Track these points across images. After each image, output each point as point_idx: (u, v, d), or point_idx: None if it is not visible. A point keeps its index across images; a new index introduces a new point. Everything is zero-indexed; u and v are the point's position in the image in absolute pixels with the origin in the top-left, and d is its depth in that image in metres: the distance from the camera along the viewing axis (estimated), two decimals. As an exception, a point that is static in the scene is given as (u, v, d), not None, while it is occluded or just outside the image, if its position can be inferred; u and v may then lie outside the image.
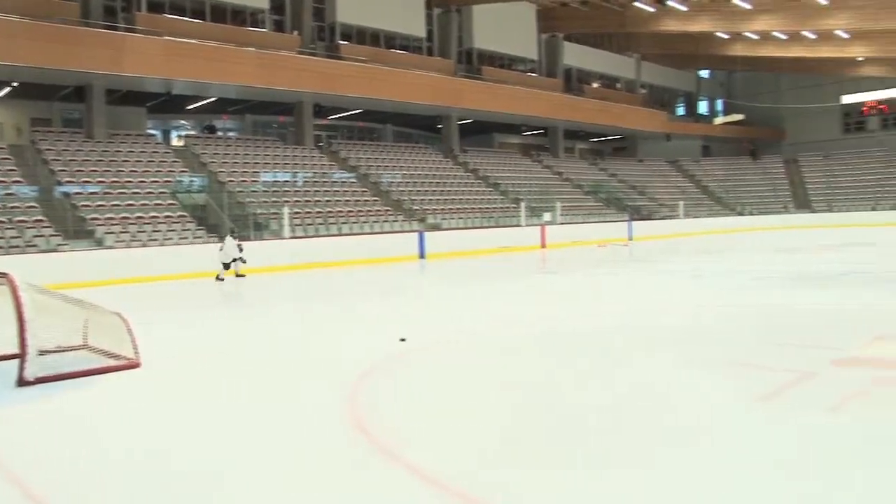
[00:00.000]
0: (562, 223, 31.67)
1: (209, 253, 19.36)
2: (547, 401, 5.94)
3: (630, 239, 31.95)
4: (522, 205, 30.62)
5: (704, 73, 54.86)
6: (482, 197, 32.55)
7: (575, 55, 42.52)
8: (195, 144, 28.12)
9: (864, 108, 48.76)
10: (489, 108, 34.94)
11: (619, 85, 46.34)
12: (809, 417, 5.20)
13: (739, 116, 51.34)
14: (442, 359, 7.90)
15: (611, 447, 4.78)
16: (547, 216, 31.42)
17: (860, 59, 41.43)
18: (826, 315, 9.98)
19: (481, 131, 41.77)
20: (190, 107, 31.21)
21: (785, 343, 7.96)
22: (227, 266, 18.08)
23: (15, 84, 24.94)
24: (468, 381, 6.83)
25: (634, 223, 33.84)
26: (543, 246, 28.80)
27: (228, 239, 18.29)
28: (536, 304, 12.63)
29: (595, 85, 43.96)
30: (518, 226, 29.84)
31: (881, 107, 48.13)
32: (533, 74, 39.71)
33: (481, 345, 8.58)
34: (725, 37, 40.91)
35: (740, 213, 43.04)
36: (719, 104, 55.45)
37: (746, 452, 4.58)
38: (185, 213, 22.69)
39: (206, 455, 4.86)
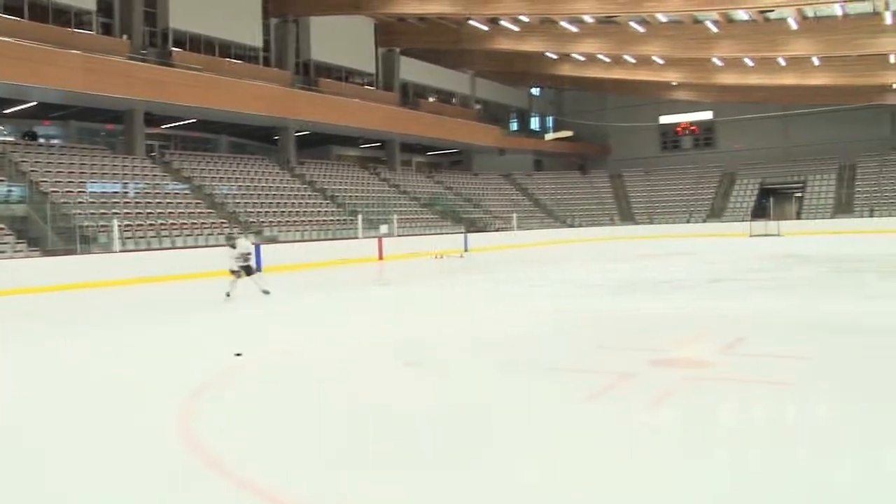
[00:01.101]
0: (399, 235, 33.05)
1: (30, 267, 19.39)
2: (375, 410, 6.28)
3: (465, 250, 33.64)
4: (359, 217, 31.81)
5: (536, 91, 59.54)
6: (320, 209, 33.56)
7: (411, 70, 44.95)
8: (13, 151, 27.48)
9: (679, 129, 55.38)
10: (326, 119, 36.08)
11: (454, 100, 49.29)
12: (628, 413, 5.89)
13: (568, 133, 56.39)
14: (274, 372, 8.13)
15: (437, 450, 5.14)
16: (384, 228, 32.64)
17: (674, 83, 46.83)
18: (647, 320, 11.18)
19: (319, 143, 42.82)
20: (7, 111, 30.37)
21: (609, 347, 9.01)
22: (247, 270, 16.03)
23: None
24: (301, 394, 7.07)
25: (469, 235, 35.88)
26: (381, 258, 29.95)
27: (242, 240, 16.82)
28: (370, 315, 13.11)
29: (431, 99, 46.57)
30: (355, 238, 30.93)
31: (692, 128, 54.99)
32: (370, 88, 41.53)
33: (314, 357, 9.01)
34: (554, 57, 44.70)
35: (570, 225, 47.22)
36: (550, 121, 60.43)
37: (569, 447, 5.11)
38: (2, 226, 22.42)
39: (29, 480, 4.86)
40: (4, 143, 29.46)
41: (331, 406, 6.61)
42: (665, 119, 55.52)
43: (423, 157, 53.21)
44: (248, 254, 16.10)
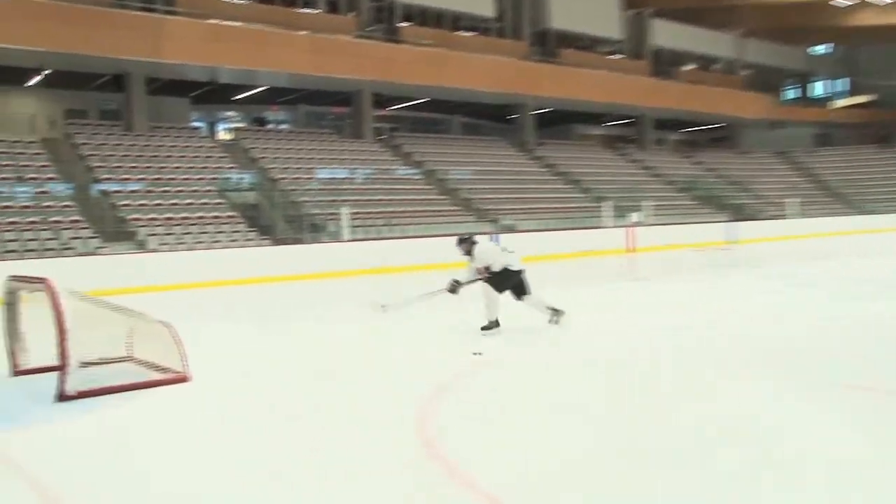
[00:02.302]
0: (651, 224, 30.99)
1: (261, 256, 19.45)
2: (630, 426, 5.83)
3: (730, 242, 31.14)
4: (606, 204, 30.07)
5: (821, 49, 53.16)
6: (561, 195, 32.27)
7: (665, 34, 41.74)
8: (244, 138, 28.51)
9: None
10: (568, 95, 34.65)
11: (716, 66, 45.28)
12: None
13: (866, 98, 49.25)
14: (516, 376, 7.91)
15: (694, 480, 4.63)
16: (635, 216, 30.80)
17: None
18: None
19: (559, 122, 41.42)
20: (237, 97, 31.64)
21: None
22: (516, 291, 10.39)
23: (47, 72, 25.35)
24: (541, 400, 6.77)
25: (736, 224, 32.99)
26: (631, 249, 28.30)
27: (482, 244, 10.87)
28: (620, 314, 12.35)
29: (688, 67, 43.14)
30: (602, 227, 29.30)
31: None
32: (617, 57, 39.20)
33: (558, 359, 8.61)
34: (846, 4, 39.25)
35: (865, 212, 41.05)
36: (839, 84, 53.49)
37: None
38: (234, 213, 22.83)
39: (261, 479, 4.86)
40: (236, 129, 30.70)
41: (572, 417, 6.18)
42: None
43: (679, 134, 49.70)
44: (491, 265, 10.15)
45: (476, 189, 29.86)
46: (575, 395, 6.92)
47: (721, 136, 49.02)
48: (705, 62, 44.60)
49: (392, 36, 30.57)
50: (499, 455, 5.19)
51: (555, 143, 38.69)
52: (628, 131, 44.33)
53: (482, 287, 10.12)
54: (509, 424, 6.02)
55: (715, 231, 31.31)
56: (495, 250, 10.47)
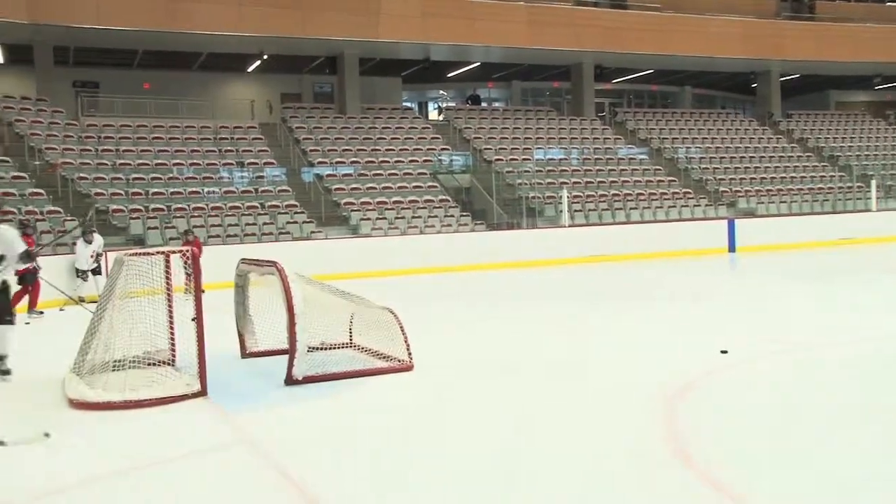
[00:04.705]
0: None
1: (475, 242, 20.09)
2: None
3: None
4: (873, 183, 27.77)
5: None
6: (813, 174, 30.27)
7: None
8: (457, 118, 29.07)
9: None
10: (824, 57, 32.40)
11: None
12: None
13: None
14: (769, 375, 7.71)
15: None
16: None
17: None
18: None
19: (812, 89, 39.29)
20: (449, 74, 32.29)
21: None
22: None
23: (265, 57, 27.17)
24: (800, 404, 6.54)
25: None
26: None
27: None
28: (880, 312, 11.35)
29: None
30: (867, 210, 27.23)
31: None
32: (891, 3, 35.99)
33: (814, 361, 8.24)
34: None
35: None
36: None
37: None
38: (446, 198, 23.30)
39: (491, 476, 4.95)
40: (448, 109, 31.30)
41: (846, 425, 5.87)
42: None
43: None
44: None
45: (710, 169, 28.70)
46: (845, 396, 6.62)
47: None
48: None
49: (617, 1, 30.03)
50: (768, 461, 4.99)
51: (806, 113, 36.30)
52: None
53: None
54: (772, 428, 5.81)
55: None
56: None
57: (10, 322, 8.10)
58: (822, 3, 33.92)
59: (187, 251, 7.53)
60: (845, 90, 41.05)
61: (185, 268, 7.46)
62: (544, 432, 5.85)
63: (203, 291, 7.44)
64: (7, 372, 7.99)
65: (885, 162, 31.41)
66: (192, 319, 7.17)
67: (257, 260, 8.31)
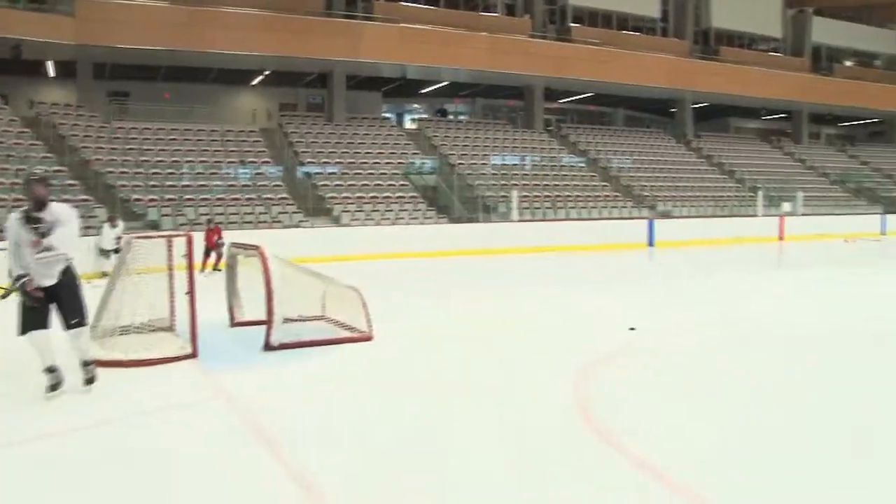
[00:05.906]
0: (803, 214, 28.44)
1: (438, 233, 19.84)
2: (792, 406, 5.43)
3: (883, 234, 28.29)
4: (760, 193, 27.83)
5: None
6: (716, 184, 30.08)
7: (825, 31, 37.70)
8: (427, 127, 28.53)
9: None
10: (726, 90, 32.39)
11: (877, 62, 40.57)
12: None
13: None
14: (669, 352, 7.43)
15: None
16: (787, 206, 28.42)
17: None
18: None
19: (717, 115, 38.90)
20: (422, 91, 31.79)
21: None
22: None
23: (267, 72, 26.53)
24: (696, 377, 6.37)
25: (889, 216, 29.63)
26: (781, 238, 26.17)
27: None
28: (770, 300, 11.37)
29: (847, 63, 38.78)
30: (754, 216, 27.20)
31: None
32: (776, 54, 35.96)
33: (710, 340, 7.98)
34: None
35: None
36: None
37: None
38: (416, 195, 22.82)
39: (425, 432, 4.91)
40: (420, 120, 30.77)
41: (733, 394, 5.78)
42: None
43: (835, 128, 45.18)
44: None
45: (636, 177, 28.39)
46: (737, 372, 6.42)
47: (878, 129, 44.06)
48: (866, 58, 40.03)
49: (563, 36, 29.52)
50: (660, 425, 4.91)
51: (712, 135, 36.11)
52: (783, 125, 40.78)
53: None
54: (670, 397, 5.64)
55: (867, 223, 28.40)
56: None
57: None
58: (726, 49, 33.76)
59: (184, 236, 7.15)
60: (741, 118, 40.93)
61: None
62: (469, 398, 5.70)
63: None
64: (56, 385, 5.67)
65: (769, 177, 31.31)
66: (186, 293, 6.88)
67: (244, 244, 7.94)
